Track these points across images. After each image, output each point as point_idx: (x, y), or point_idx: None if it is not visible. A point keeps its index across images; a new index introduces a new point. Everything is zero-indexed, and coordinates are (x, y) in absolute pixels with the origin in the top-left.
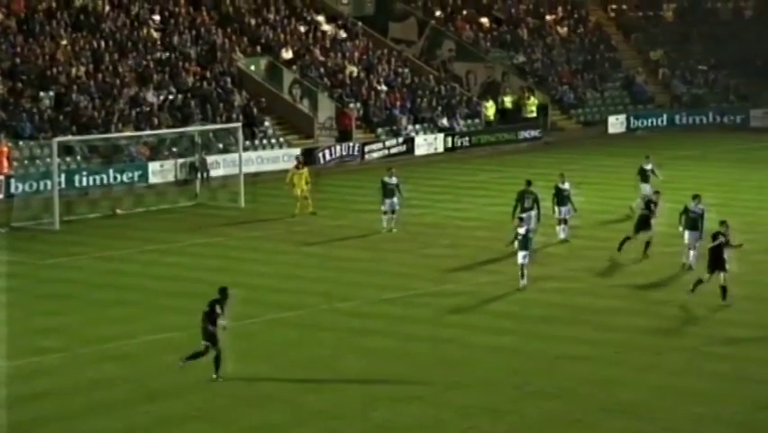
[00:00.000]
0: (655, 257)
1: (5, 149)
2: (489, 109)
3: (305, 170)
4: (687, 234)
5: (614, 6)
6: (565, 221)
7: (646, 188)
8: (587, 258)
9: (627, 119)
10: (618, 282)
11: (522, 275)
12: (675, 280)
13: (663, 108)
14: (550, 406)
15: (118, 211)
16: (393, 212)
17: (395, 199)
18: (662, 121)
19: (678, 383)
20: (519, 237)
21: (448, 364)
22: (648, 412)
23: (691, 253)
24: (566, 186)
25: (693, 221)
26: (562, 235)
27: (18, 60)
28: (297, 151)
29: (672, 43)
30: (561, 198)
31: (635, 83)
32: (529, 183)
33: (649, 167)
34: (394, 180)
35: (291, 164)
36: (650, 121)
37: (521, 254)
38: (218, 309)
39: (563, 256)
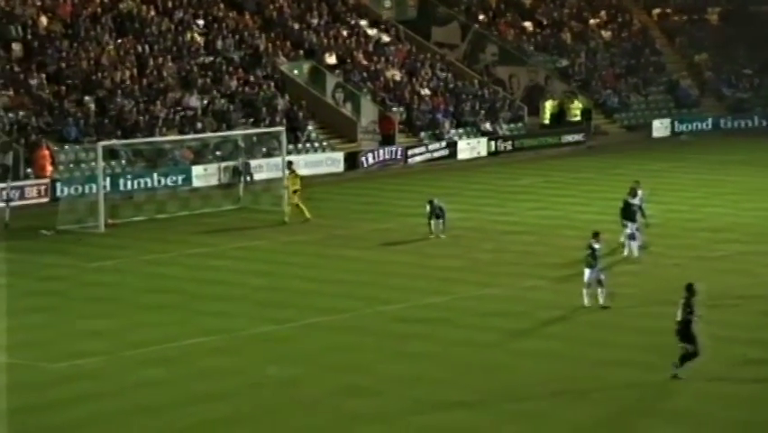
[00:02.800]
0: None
1: (47, 152)
2: (547, 111)
3: (290, 175)
4: None
5: (658, 10)
6: (638, 229)
7: None
8: (632, 262)
9: (672, 123)
10: (666, 287)
11: (599, 292)
12: (725, 291)
13: (708, 112)
14: (594, 411)
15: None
16: (439, 217)
17: (440, 220)
18: (707, 125)
19: (720, 389)
20: (590, 252)
21: (490, 369)
22: (693, 417)
23: None
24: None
25: None
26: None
27: (63, 65)
28: (341, 155)
29: (717, 47)
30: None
31: (680, 87)
32: (634, 192)
33: None
34: (441, 204)
35: (334, 168)
36: (695, 125)
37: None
38: (691, 307)
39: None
